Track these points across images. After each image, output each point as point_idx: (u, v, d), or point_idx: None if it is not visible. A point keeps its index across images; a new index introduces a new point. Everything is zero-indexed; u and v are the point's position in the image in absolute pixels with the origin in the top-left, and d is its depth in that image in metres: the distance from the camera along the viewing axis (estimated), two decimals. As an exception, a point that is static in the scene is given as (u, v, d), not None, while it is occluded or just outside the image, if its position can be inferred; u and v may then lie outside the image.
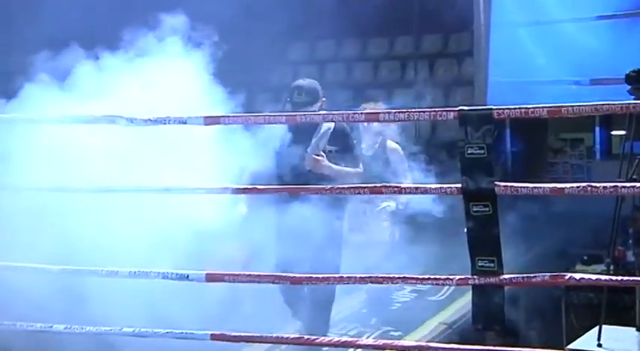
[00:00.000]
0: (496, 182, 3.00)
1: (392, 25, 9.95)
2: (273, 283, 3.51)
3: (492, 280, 3.03)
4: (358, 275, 3.31)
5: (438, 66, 10.16)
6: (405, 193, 3.38)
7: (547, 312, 6.20)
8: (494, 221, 3.07)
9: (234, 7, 7.06)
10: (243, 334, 4.07)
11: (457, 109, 3.06)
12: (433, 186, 3.25)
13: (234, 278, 3.97)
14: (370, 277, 3.35)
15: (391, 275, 3.30)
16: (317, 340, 3.75)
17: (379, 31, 10.27)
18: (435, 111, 3.26)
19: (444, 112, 3.17)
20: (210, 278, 3.56)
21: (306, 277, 3.37)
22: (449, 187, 3.12)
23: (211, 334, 3.43)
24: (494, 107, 3.05)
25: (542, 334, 6.03)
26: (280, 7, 7.83)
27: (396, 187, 3.37)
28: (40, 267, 3.56)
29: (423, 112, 3.41)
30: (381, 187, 3.28)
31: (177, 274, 3.46)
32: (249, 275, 3.85)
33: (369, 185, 3.24)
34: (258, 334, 4.20)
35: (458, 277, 3.19)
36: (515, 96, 7.21)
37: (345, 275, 3.35)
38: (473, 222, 3.07)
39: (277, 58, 10.32)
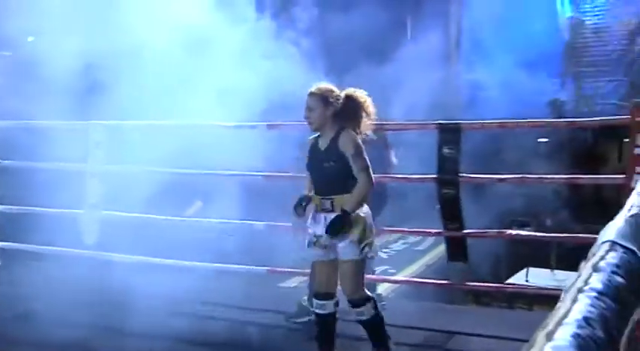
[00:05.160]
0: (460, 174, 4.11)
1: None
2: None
3: (458, 233, 4.24)
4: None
5: None
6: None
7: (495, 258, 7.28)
8: (458, 199, 4.16)
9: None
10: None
11: (436, 122, 4.21)
12: (414, 176, 4.42)
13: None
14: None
15: (392, 228, 4.65)
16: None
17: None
18: (419, 123, 4.58)
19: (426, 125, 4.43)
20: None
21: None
22: (425, 177, 4.30)
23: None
24: (461, 122, 4.21)
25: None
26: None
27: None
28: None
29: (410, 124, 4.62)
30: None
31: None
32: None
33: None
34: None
35: (434, 230, 4.48)
36: None
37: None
38: (443, 200, 4.19)
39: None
